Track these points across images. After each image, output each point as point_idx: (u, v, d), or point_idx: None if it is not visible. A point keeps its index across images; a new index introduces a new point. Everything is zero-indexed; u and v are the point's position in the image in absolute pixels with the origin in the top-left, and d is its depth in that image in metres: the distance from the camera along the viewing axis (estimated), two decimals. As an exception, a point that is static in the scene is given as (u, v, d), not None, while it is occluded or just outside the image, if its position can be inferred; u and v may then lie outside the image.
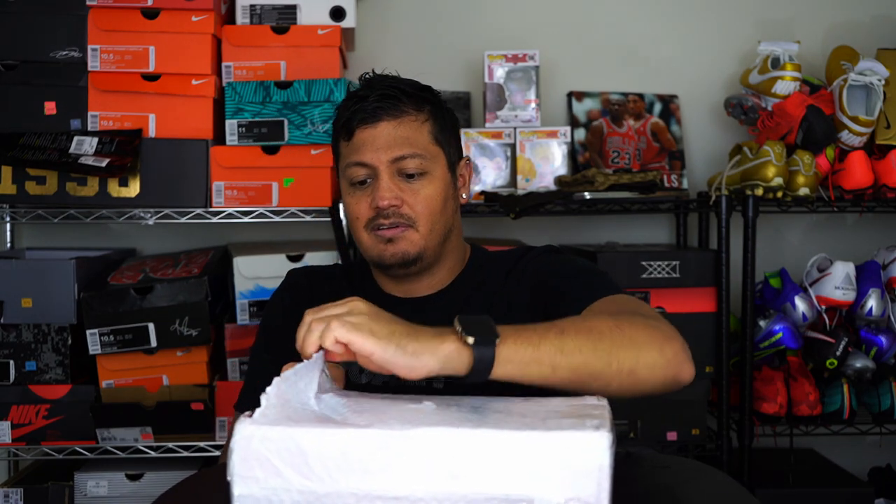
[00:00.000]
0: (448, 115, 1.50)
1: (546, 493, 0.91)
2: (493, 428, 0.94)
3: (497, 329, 1.06)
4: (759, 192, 2.22)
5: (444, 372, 1.04)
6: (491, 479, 0.91)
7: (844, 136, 2.28)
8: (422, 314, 1.43)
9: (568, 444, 0.91)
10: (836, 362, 2.26)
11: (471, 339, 1.04)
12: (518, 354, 1.06)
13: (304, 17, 2.25)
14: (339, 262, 2.18)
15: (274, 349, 1.46)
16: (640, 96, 2.58)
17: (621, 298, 1.31)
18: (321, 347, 1.05)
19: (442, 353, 1.04)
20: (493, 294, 1.46)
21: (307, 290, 1.53)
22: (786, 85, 2.30)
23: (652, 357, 1.13)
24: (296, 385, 1.01)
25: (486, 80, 2.39)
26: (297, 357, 1.08)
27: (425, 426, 0.94)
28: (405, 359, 1.03)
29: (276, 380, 0.98)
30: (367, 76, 1.49)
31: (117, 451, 2.15)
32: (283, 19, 2.25)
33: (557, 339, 1.09)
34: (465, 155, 1.55)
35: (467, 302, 1.46)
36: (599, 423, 0.95)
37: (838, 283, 2.27)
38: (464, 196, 1.53)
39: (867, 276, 2.30)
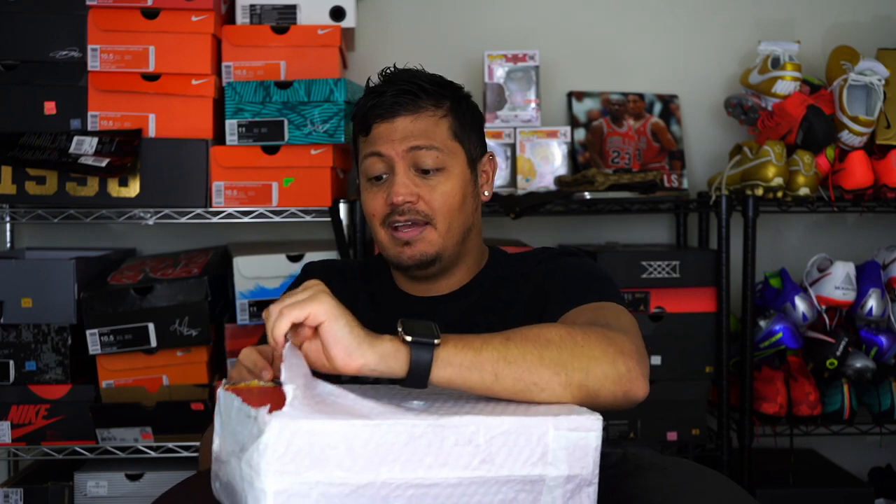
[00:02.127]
0: (470, 110, 1.47)
1: (555, 471, 1.00)
2: (514, 415, 1.00)
3: (439, 333, 1.04)
4: (760, 192, 2.22)
5: (380, 369, 1.02)
6: (513, 462, 0.98)
7: (844, 136, 2.28)
8: (438, 313, 1.43)
9: (574, 425, 1.01)
10: (836, 362, 2.26)
11: (408, 338, 1.02)
12: (458, 358, 1.04)
13: (304, 17, 2.25)
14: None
15: None
16: (640, 96, 2.58)
17: (602, 307, 1.28)
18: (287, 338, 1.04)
19: (380, 349, 1.02)
20: (508, 297, 1.44)
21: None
22: (786, 85, 2.30)
23: (603, 370, 1.10)
24: (304, 375, 1.01)
25: (486, 80, 2.39)
26: None
27: (457, 415, 0.97)
28: (348, 340, 1.00)
29: (284, 374, 0.96)
30: (387, 70, 1.47)
31: (117, 452, 2.15)
32: (283, 19, 2.25)
33: (502, 346, 1.07)
34: (488, 150, 1.52)
35: (482, 303, 1.44)
36: (586, 409, 1.04)
37: (838, 283, 2.27)
38: (486, 193, 1.49)
39: (867, 276, 2.30)
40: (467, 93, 1.49)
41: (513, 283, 1.45)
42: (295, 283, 1.57)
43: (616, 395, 1.11)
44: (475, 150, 1.46)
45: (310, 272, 1.56)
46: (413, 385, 1.04)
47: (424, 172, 1.39)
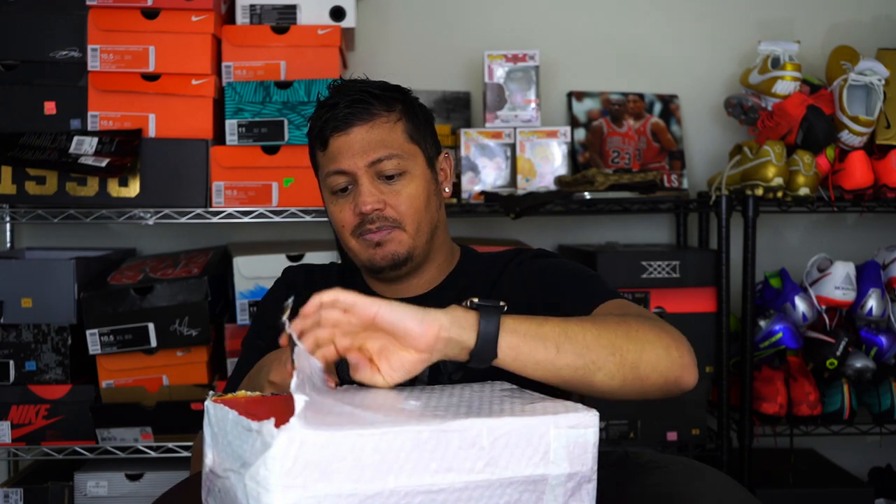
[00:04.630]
0: (421, 111, 1.49)
1: (556, 470, 1.00)
2: (514, 416, 1.00)
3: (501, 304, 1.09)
4: (760, 192, 2.22)
5: (453, 333, 1.05)
6: (516, 463, 0.98)
7: (844, 135, 2.28)
8: None
9: (573, 422, 1.01)
10: (836, 362, 2.26)
11: (475, 300, 1.08)
12: (523, 327, 1.08)
13: (304, 17, 2.25)
14: (339, 261, 2.18)
15: (268, 338, 1.47)
16: (640, 96, 2.58)
17: (625, 304, 1.30)
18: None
19: (450, 312, 1.06)
20: (482, 296, 1.45)
21: (303, 288, 1.53)
22: (786, 85, 2.30)
23: (657, 354, 1.13)
24: (309, 378, 1.01)
25: (486, 80, 2.39)
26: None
27: (460, 418, 0.97)
28: (412, 311, 1.04)
29: (295, 382, 0.97)
30: (335, 83, 1.49)
31: (117, 452, 2.15)
32: (283, 19, 2.25)
33: (562, 323, 1.11)
34: (442, 149, 1.55)
35: (456, 302, 1.46)
36: (583, 406, 1.04)
37: (838, 283, 2.27)
38: (446, 190, 1.52)
39: (867, 276, 2.30)
40: (415, 96, 1.52)
41: (488, 283, 1.46)
42: (273, 288, 1.58)
43: (668, 381, 1.15)
44: (431, 150, 1.49)
45: (291, 275, 1.57)
46: (481, 357, 1.07)
47: (388, 178, 1.42)
